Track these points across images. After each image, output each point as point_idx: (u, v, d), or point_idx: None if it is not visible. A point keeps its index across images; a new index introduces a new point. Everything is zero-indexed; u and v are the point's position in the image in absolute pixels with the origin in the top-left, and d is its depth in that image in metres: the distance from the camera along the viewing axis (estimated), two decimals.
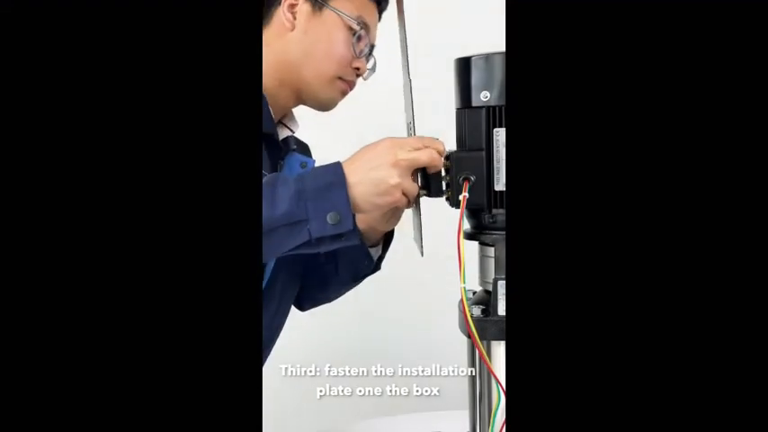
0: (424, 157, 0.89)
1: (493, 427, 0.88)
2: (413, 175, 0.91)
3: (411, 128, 0.95)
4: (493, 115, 0.90)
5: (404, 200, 0.91)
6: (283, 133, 1.19)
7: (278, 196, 0.88)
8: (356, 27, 1.10)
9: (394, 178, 0.89)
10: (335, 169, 0.90)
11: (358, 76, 1.15)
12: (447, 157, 0.91)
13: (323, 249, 0.93)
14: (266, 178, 0.91)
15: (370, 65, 1.16)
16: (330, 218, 0.88)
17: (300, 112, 1.21)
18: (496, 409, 0.87)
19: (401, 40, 0.95)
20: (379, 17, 1.17)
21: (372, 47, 1.16)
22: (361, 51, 1.12)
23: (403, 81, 0.94)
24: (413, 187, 0.90)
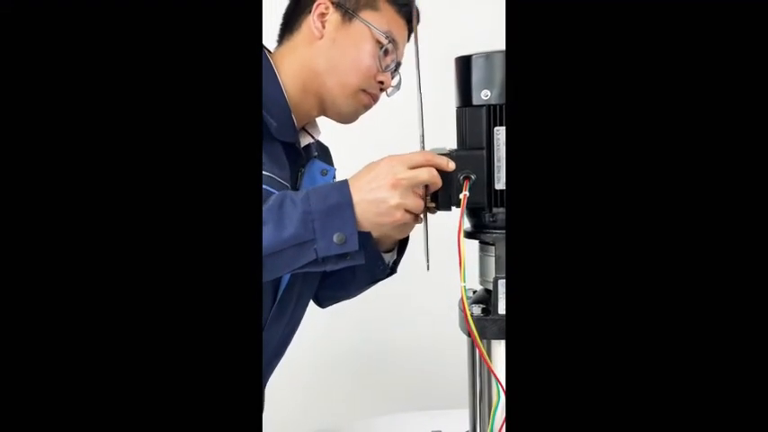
0: (424, 175, 0.90)
1: (492, 425, 0.88)
2: (424, 190, 0.91)
3: (422, 140, 0.95)
4: (493, 114, 0.90)
5: (407, 217, 0.91)
6: (305, 140, 1.20)
7: (286, 217, 0.89)
8: (384, 41, 1.11)
9: (395, 198, 0.89)
10: (342, 190, 0.91)
11: (382, 90, 1.15)
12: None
13: (329, 268, 0.94)
14: (273, 198, 0.92)
15: (394, 82, 1.16)
16: (336, 238, 0.90)
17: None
18: (496, 408, 0.87)
19: (415, 57, 0.96)
20: (408, 36, 1.17)
21: (399, 64, 1.16)
22: (387, 66, 1.12)
23: (416, 95, 0.95)
24: (416, 204, 0.91)
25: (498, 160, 0.89)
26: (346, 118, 1.17)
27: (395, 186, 0.89)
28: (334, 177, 1.21)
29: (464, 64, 0.92)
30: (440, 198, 0.92)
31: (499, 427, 0.86)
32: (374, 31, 1.11)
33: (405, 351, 2.05)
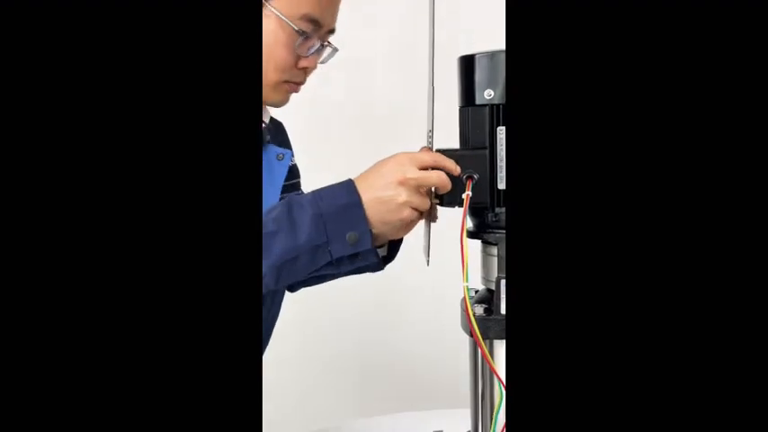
0: (434, 179, 0.90)
1: (495, 425, 0.88)
2: (430, 190, 0.91)
3: (430, 136, 0.95)
4: (496, 113, 0.89)
5: (414, 214, 0.91)
6: None
7: (297, 223, 0.89)
8: (296, 29, 1.02)
9: (402, 196, 0.89)
10: (350, 189, 0.91)
11: (309, 73, 1.08)
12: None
13: (342, 269, 0.94)
14: (279, 205, 0.92)
15: (327, 52, 1.09)
16: (349, 238, 0.90)
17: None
18: (498, 408, 0.87)
19: (429, 51, 0.94)
20: None
21: (331, 31, 1.07)
22: (309, 49, 1.04)
23: (427, 90, 0.94)
24: (423, 203, 0.91)
25: (501, 160, 0.89)
26: (278, 106, 1.11)
27: (402, 184, 0.89)
28: (292, 158, 1.18)
29: (467, 63, 0.92)
30: (445, 196, 0.92)
31: (502, 427, 0.86)
32: (284, 20, 1.01)
33: (406, 350, 2.05)
